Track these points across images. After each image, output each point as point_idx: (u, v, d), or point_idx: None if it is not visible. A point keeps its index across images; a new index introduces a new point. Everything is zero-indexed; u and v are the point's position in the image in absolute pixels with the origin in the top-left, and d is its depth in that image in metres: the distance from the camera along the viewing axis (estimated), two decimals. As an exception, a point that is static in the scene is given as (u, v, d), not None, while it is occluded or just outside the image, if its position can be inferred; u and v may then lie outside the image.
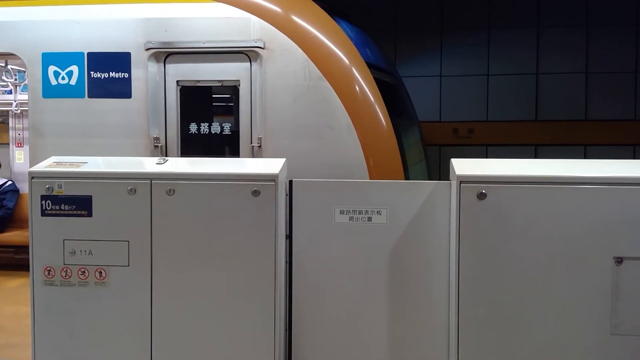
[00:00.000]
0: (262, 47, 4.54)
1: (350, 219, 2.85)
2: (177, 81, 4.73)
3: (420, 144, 6.05)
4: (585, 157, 8.20)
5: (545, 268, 2.57)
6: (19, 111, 7.42)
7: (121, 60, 4.68)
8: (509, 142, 8.49)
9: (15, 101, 7.35)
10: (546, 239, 2.56)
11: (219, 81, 4.75)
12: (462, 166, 2.70)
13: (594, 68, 8.39)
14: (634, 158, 8.14)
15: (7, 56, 5.51)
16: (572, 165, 2.80)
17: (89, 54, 4.73)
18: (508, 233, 2.58)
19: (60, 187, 2.82)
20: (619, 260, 2.53)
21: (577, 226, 2.54)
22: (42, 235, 2.84)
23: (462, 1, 8.66)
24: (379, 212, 2.83)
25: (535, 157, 8.41)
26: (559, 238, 2.55)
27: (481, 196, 2.58)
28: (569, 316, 2.56)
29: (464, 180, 2.60)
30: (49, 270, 2.84)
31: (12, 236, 6.81)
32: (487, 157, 8.27)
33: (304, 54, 4.49)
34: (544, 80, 8.52)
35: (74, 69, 4.73)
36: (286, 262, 2.90)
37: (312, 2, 4.79)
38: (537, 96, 8.54)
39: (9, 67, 6.44)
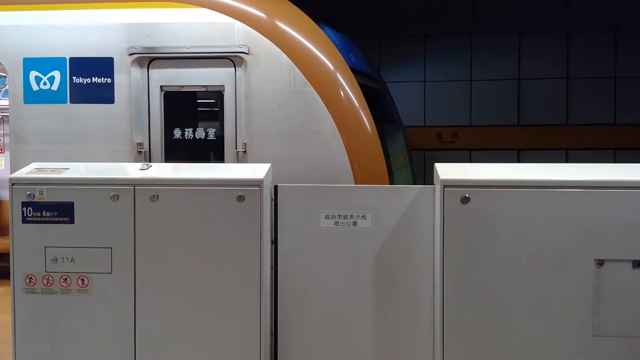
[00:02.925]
0: (247, 52, 4.54)
1: (336, 223, 2.86)
2: (161, 86, 4.71)
3: (405, 148, 6.09)
4: (566, 161, 8.32)
5: (528, 271, 2.60)
6: (-1, 117, 7.31)
7: (104, 66, 4.65)
8: (492, 147, 8.57)
9: (-5, 107, 7.25)
10: (529, 242, 2.59)
11: (203, 86, 4.74)
12: (445, 170, 2.73)
13: (575, 73, 8.53)
14: (615, 162, 8.28)
15: (-13, 61, 5.43)
16: (554, 170, 2.84)
17: (71, 59, 4.69)
18: (491, 236, 2.61)
19: (42, 194, 2.79)
20: (600, 263, 2.56)
21: (559, 229, 2.57)
22: (23, 242, 2.80)
23: (445, 8, 8.75)
24: (364, 217, 2.84)
25: (518, 161, 8.51)
26: (542, 241, 2.58)
27: (465, 200, 2.60)
28: (551, 318, 2.59)
29: (448, 185, 2.62)
30: (30, 277, 2.80)
31: (-8, 244, 6.69)
32: (470, 162, 8.36)
33: (289, 59, 4.51)
34: (525, 85, 8.63)
35: (56, 74, 4.69)
36: (272, 267, 2.90)
37: (297, 7, 4.81)
38: (519, 101, 8.65)
39: (-11, 72, 6.35)
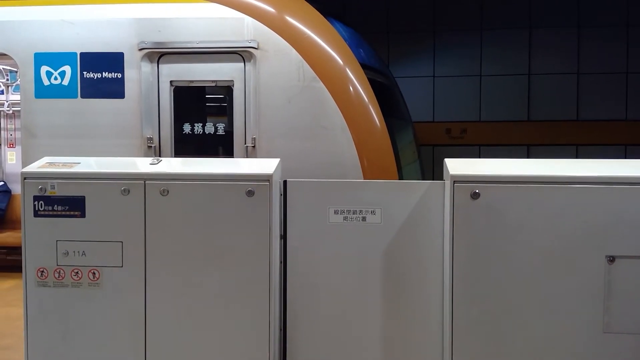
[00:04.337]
0: (256, 47, 4.54)
1: (345, 218, 2.86)
2: (171, 81, 4.73)
3: (414, 144, 6.07)
4: (577, 157, 8.26)
5: (538, 267, 2.59)
6: (10, 112, 7.37)
7: (114, 61, 4.68)
8: (502, 142, 8.53)
9: (7, 101, 7.31)
10: (539, 238, 2.58)
11: (213, 81, 4.75)
12: (455, 166, 2.72)
13: (586, 68, 8.45)
14: (626, 157, 8.20)
15: (-1, 56, 5.47)
16: (564, 165, 2.82)
17: (82, 54, 4.71)
18: (501, 232, 2.60)
19: (53, 188, 2.81)
20: (611, 259, 2.55)
21: (569, 225, 2.56)
22: (35, 236, 2.82)
23: (454, 2, 8.69)
24: (373, 212, 2.84)
25: (528, 157, 8.45)
26: (552, 237, 2.57)
27: (474, 196, 2.59)
28: (561, 315, 2.58)
29: (458, 180, 2.61)
30: (42, 271, 2.83)
31: (4, 237, 6.76)
32: (479, 157, 8.32)
33: (298, 54, 4.50)
34: (535, 80, 8.57)
35: (67, 69, 4.72)
36: (281, 262, 2.90)
37: (306, 2, 4.80)
38: (529, 96, 8.60)
39: (1, 67, 6.41)
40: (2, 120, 7.67)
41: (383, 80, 5.42)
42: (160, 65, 4.70)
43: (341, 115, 4.46)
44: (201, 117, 4.89)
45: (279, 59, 4.53)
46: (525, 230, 2.58)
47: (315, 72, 4.49)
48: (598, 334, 2.57)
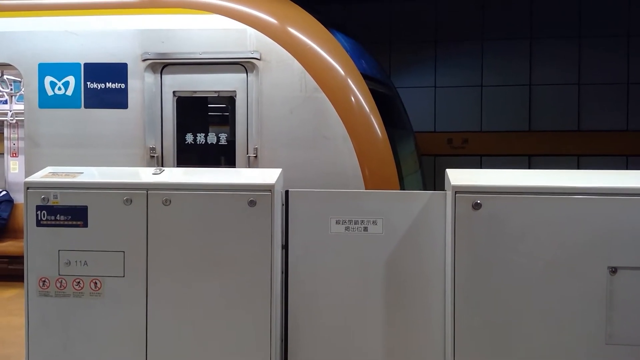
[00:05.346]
0: (259, 58, 4.57)
1: (346, 229, 2.86)
2: (174, 92, 4.76)
3: (415, 154, 6.08)
4: (578, 168, 8.26)
5: (540, 277, 2.58)
6: (14, 121, 7.41)
7: (118, 71, 4.71)
8: (503, 153, 8.54)
9: (10, 111, 7.35)
10: (541, 249, 2.58)
11: (216, 92, 4.78)
12: (457, 176, 2.72)
13: (587, 79, 8.47)
14: (627, 168, 8.20)
15: (3, 67, 5.51)
16: (565, 176, 2.82)
17: (86, 64, 4.75)
18: (503, 243, 2.60)
19: (56, 198, 2.82)
20: (613, 270, 2.54)
21: (571, 236, 2.56)
22: (37, 245, 2.83)
23: (456, 13, 8.74)
24: (374, 222, 2.85)
25: (529, 167, 8.46)
26: (554, 248, 2.57)
27: (476, 206, 2.59)
28: (563, 326, 2.57)
29: (459, 191, 2.62)
30: (44, 280, 2.83)
31: (6, 246, 6.76)
32: (481, 167, 8.33)
33: (300, 65, 4.53)
34: (537, 91, 8.59)
35: (71, 79, 4.75)
36: (282, 272, 2.90)
37: (308, 13, 4.83)
38: (530, 107, 8.61)
39: (5, 77, 6.45)
40: (5, 129, 7.70)
41: (384, 90, 5.44)
42: (163, 76, 4.73)
43: (343, 125, 4.48)
44: (204, 127, 4.91)
45: (281, 69, 4.56)
46: (527, 241, 2.59)
47: (317, 83, 4.51)
48: (600, 345, 2.56)
